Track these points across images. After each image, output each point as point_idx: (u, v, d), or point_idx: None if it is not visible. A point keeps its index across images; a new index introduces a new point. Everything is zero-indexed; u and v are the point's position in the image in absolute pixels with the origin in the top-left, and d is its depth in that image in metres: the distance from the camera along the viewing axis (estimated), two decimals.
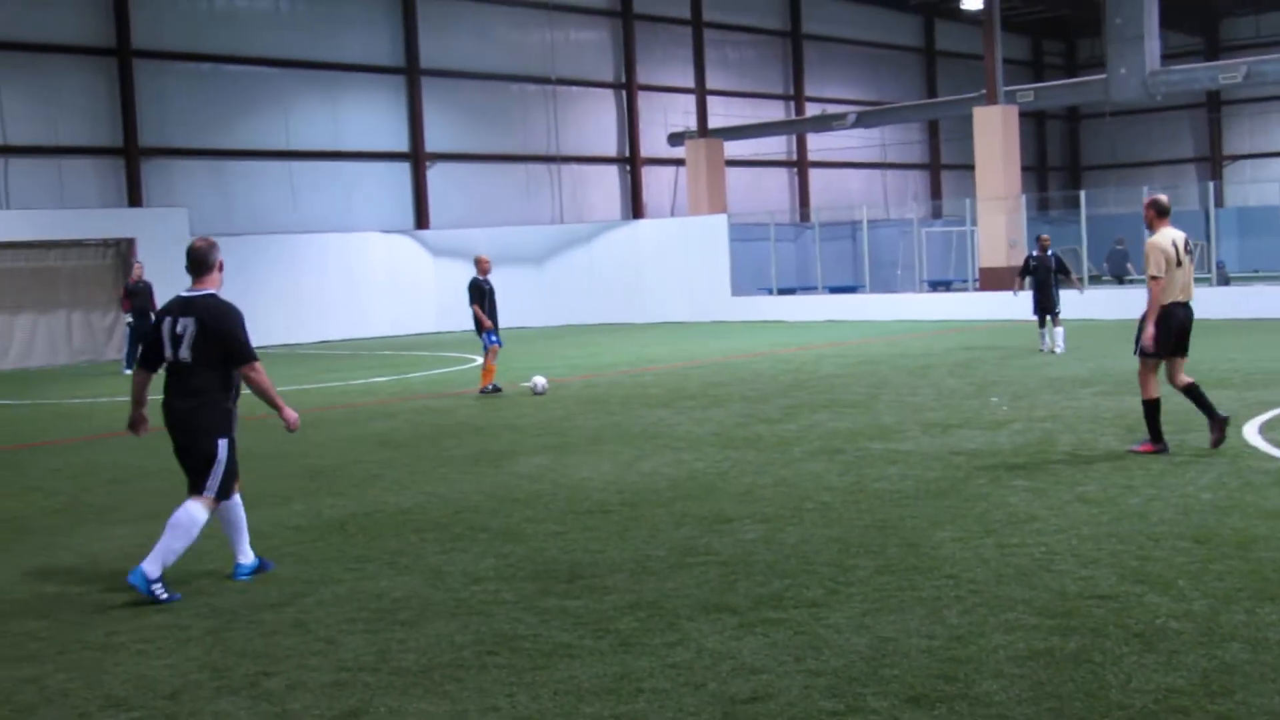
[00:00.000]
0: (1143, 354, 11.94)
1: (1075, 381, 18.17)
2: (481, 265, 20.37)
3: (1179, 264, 11.80)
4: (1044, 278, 23.42)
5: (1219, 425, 11.95)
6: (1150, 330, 11.75)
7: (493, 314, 20.13)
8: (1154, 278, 11.69)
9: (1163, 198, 12.22)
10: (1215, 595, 7.10)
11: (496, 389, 19.75)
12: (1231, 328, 27.92)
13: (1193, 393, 12.04)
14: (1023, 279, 24.28)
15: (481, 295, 20.05)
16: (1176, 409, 12.88)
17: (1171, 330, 11.86)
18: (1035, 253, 23.87)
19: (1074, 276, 24.27)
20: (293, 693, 6.17)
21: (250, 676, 6.44)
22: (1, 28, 32.30)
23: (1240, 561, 7.80)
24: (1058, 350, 23.16)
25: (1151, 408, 11.98)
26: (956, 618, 6.89)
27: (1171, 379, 12.12)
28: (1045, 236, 24.30)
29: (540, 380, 19.35)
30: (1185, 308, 11.97)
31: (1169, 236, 11.86)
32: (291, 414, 8.54)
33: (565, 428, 15.43)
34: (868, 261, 39.64)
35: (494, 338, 19.98)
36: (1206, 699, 5.56)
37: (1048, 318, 23.48)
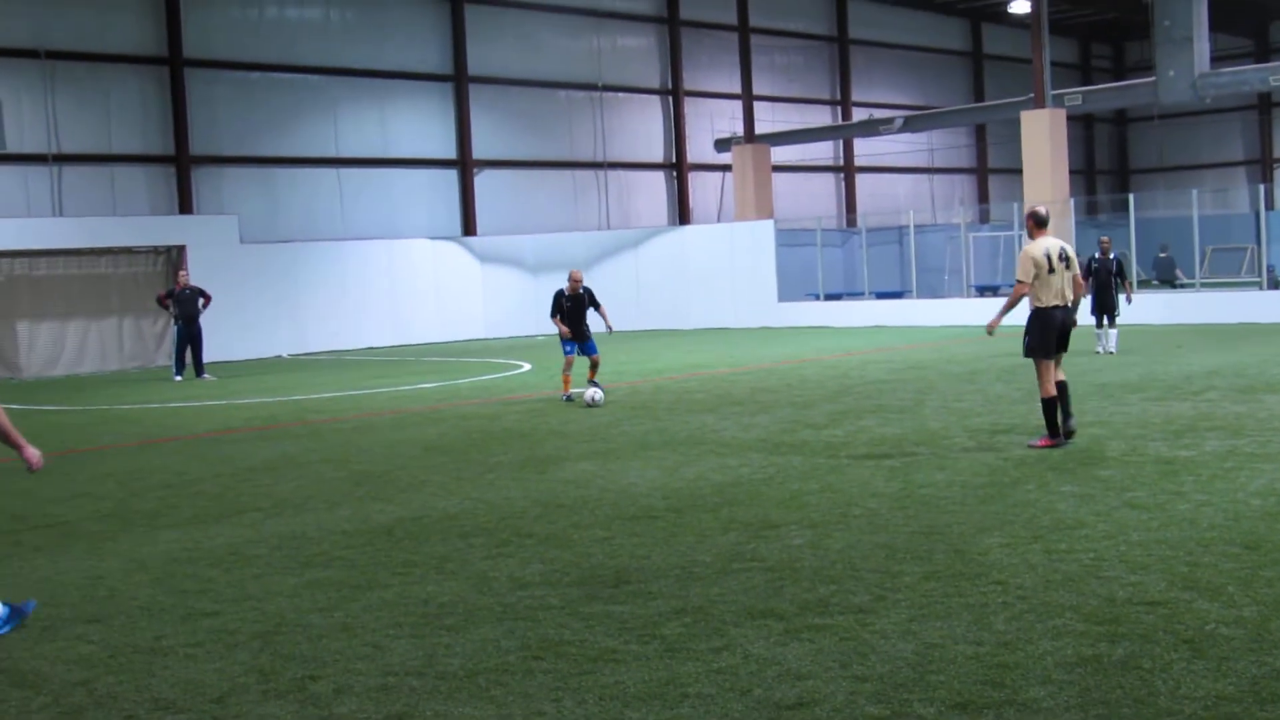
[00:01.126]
0: (1031, 354, 13.03)
1: (1124, 387, 18.04)
2: (571, 280, 19.83)
3: (1051, 270, 12.89)
4: (1105, 280, 23.80)
5: (1068, 431, 12.95)
6: (998, 321, 13.30)
7: (576, 326, 19.57)
8: (1020, 282, 12.95)
9: (1041, 209, 13.42)
10: (1265, 602, 7.04)
11: (568, 398, 19.23)
12: None
13: (1062, 390, 13.01)
14: (1087, 281, 24.25)
15: (558, 308, 19.61)
16: (1228, 414, 12.74)
17: (1053, 331, 12.95)
18: (1097, 255, 23.99)
19: (1128, 282, 24.37)
20: (339, 696, 6.21)
21: (297, 680, 6.49)
22: (56, 38, 32.69)
23: None
24: (1111, 350, 23.54)
25: (1049, 405, 12.94)
26: (1004, 624, 6.85)
27: (1055, 375, 13.09)
28: (1106, 239, 24.61)
29: (594, 393, 18.64)
30: (1064, 310, 13.03)
31: (1043, 245, 12.98)
32: (32, 453, 7.69)
33: (611, 434, 15.45)
34: (915, 267, 39.48)
35: (569, 346, 19.56)
36: (1256, 706, 5.51)
37: (1105, 319, 23.65)
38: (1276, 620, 6.70)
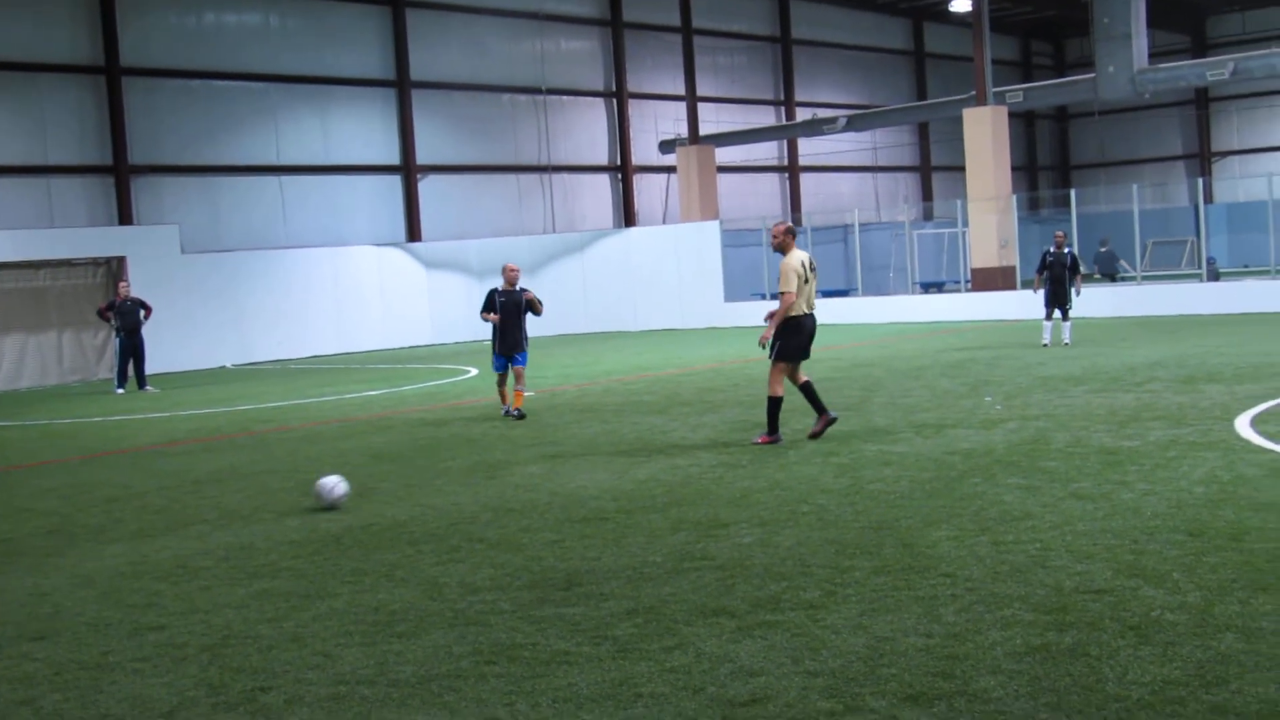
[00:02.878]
0: (780, 359, 13.63)
1: (1068, 380, 18.20)
2: (505, 274, 18.07)
3: (806, 280, 13.60)
4: (1059, 274, 24.12)
5: (825, 421, 13.79)
6: (771, 333, 13.60)
7: (508, 329, 17.69)
8: (785, 292, 13.48)
9: (790, 223, 14.11)
10: (1209, 587, 7.12)
11: (519, 414, 17.39)
12: (1222, 322, 28.01)
13: (808, 389, 13.86)
14: (1041, 275, 24.49)
15: (490, 308, 17.86)
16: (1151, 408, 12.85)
17: (805, 337, 13.69)
18: (1051, 249, 24.24)
19: (1079, 275, 24.66)
20: (291, 707, 6.16)
21: (247, 692, 6.43)
22: None
23: (1233, 553, 7.82)
24: (1067, 342, 23.96)
25: (776, 404, 13.66)
26: (953, 616, 6.90)
27: (795, 378, 13.83)
28: (1060, 234, 25.01)
29: (332, 485, 11.55)
30: (811, 318, 13.77)
31: (799, 257, 13.64)
32: None
33: (560, 437, 15.43)
34: (860, 264, 39.68)
35: (498, 362, 17.82)
36: (1202, 689, 5.58)
37: (1056, 313, 23.92)
38: (1220, 605, 6.78)
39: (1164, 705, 5.43)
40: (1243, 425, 12.94)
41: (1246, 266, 43.86)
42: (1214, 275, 37.90)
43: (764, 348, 13.82)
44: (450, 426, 17.25)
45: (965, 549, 8.36)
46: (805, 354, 13.83)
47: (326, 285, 36.85)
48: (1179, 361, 19.82)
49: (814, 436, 13.74)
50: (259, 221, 37.04)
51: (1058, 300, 24.19)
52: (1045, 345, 23.77)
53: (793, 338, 13.59)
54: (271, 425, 18.75)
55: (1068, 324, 24.35)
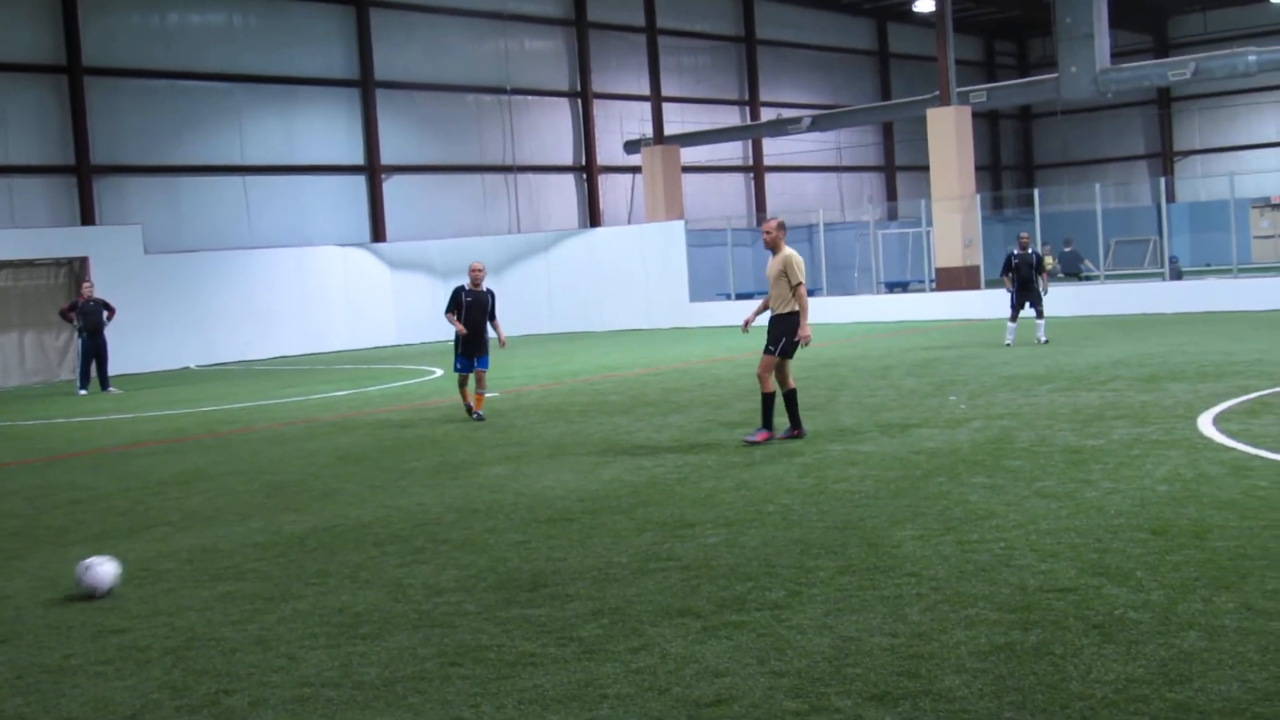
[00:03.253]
0: (784, 354, 13.60)
1: (1032, 379, 18.28)
2: (471, 273, 17.75)
3: None
4: (1026, 274, 24.28)
5: (796, 434, 13.69)
6: (808, 330, 13.60)
7: (471, 331, 17.39)
8: (801, 284, 13.54)
9: (782, 219, 14.02)
10: (1172, 585, 7.16)
11: (479, 416, 17.23)
12: (1184, 321, 28.20)
13: (792, 397, 13.80)
14: (1009, 276, 24.60)
15: (456, 305, 17.51)
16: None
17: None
18: (1016, 250, 24.38)
19: (1045, 273, 24.83)
20: (255, 710, 6.13)
21: (211, 695, 6.40)
22: None
23: (1196, 551, 7.87)
24: (1043, 340, 24.19)
25: (770, 400, 13.63)
26: (918, 615, 6.92)
27: (787, 379, 13.80)
28: (1025, 235, 25.17)
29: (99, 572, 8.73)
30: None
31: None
32: None
33: (525, 438, 15.41)
34: (825, 264, 39.77)
35: (460, 363, 17.48)
36: (1165, 687, 5.61)
37: (1022, 313, 24.32)
38: (1183, 603, 6.82)
39: (1128, 704, 5.46)
40: (1205, 423, 13.02)
41: (1209, 265, 44.20)
42: (1176, 274, 38.16)
43: (782, 356, 13.61)
44: (415, 427, 17.20)
45: (930, 548, 8.39)
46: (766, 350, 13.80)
47: (291, 286, 36.69)
48: (1142, 360, 19.94)
49: (782, 437, 13.75)
50: (223, 222, 36.84)
51: (1027, 300, 24.32)
52: (1009, 345, 23.90)
53: (793, 334, 13.59)
54: (236, 426, 18.65)
55: (1041, 322, 24.60)
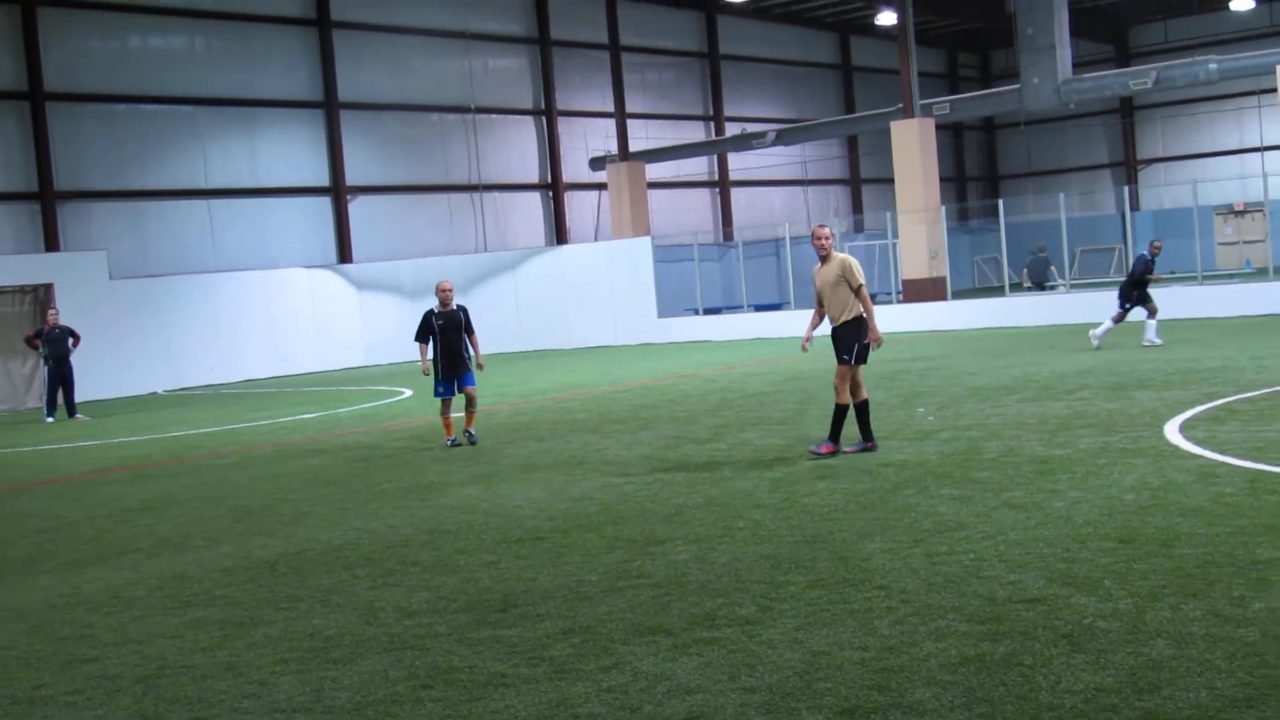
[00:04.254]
0: (860, 359, 13.27)
1: (999, 389, 18.36)
2: (439, 294, 17.10)
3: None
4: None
5: (868, 448, 13.29)
6: (879, 331, 13.31)
7: (448, 353, 16.76)
8: (863, 285, 13.28)
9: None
10: (1140, 594, 7.20)
11: (454, 443, 16.59)
12: None
13: (864, 409, 13.39)
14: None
15: (428, 331, 16.88)
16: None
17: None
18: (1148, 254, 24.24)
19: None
20: None
21: None
22: None
23: (1164, 559, 7.91)
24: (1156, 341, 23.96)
25: (845, 411, 13.26)
26: (888, 628, 6.94)
27: (860, 389, 13.40)
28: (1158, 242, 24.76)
29: None
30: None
31: None
32: None
33: (494, 457, 15.39)
34: (792, 278, 39.87)
35: (440, 387, 16.79)
36: (1134, 696, 5.64)
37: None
38: (1152, 611, 6.86)
39: (1097, 713, 5.49)
40: (1172, 431, 13.10)
41: (1173, 272, 44.50)
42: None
43: (849, 350, 13.20)
44: (384, 449, 17.15)
45: (899, 561, 8.41)
46: (839, 360, 13.37)
47: (257, 308, 36.56)
48: (1109, 369, 20.05)
49: (843, 451, 13.25)
50: (188, 246, 36.71)
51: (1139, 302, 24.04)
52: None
53: (864, 338, 13.24)
54: (204, 451, 18.57)
55: (1154, 322, 24.21)
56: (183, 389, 33.59)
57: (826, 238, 13.32)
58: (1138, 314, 24.38)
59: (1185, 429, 13.19)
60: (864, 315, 13.26)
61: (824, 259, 13.40)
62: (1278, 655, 6.02)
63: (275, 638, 7.82)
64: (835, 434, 13.28)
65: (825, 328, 13.78)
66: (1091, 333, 24.09)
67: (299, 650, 7.49)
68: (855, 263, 13.33)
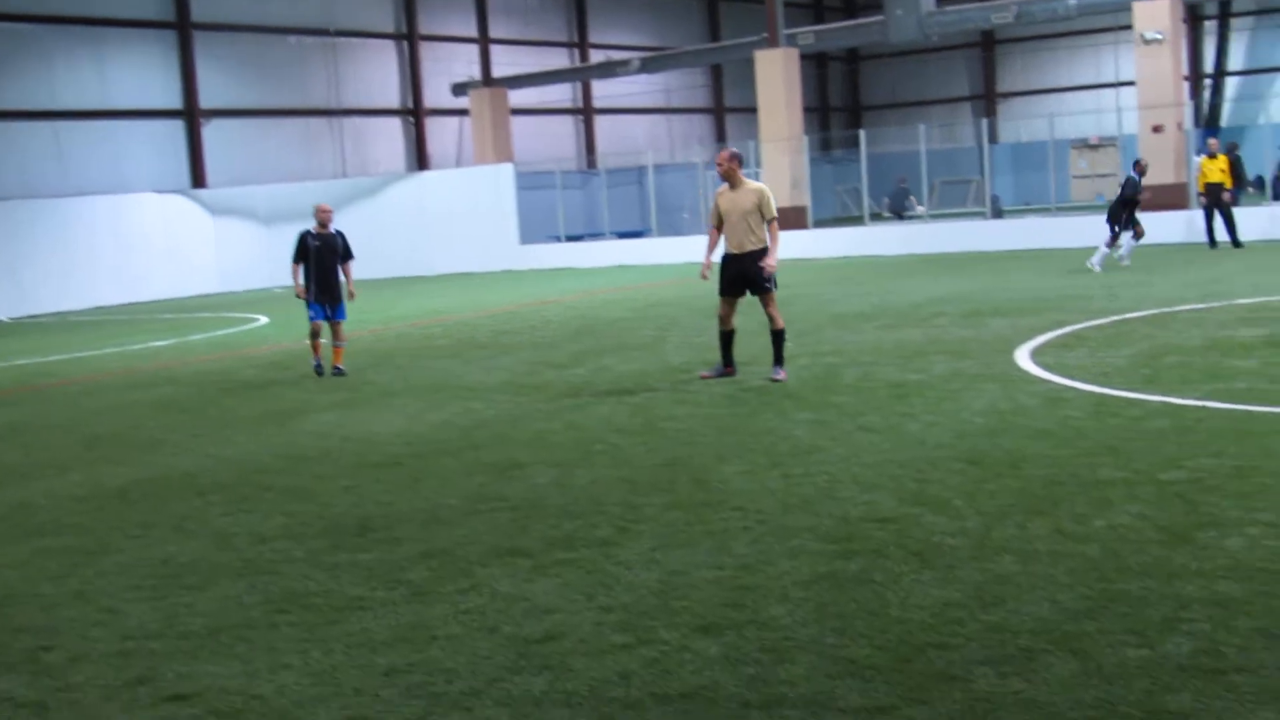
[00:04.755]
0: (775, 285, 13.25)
1: (858, 316, 18.61)
2: (317, 215, 16.41)
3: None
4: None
5: (727, 372, 13.44)
6: (775, 262, 13.20)
7: (321, 277, 16.11)
8: (777, 219, 13.26)
9: (736, 150, 13.52)
10: (988, 512, 7.38)
11: (318, 367, 16.12)
12: (1006, 258, 28.92)
13: (781, 336, 13.35)
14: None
15: (303, 253, 16.16)
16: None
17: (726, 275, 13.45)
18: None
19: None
20: (75, 665, 5.99)
21: (29, 652, 6.23)
22: None
23: (1011, 479, 8.11)
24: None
25: (733, 336, 13.50)
26: (744, 548, 7.02)
27: (729, 320, 13.47)
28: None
29: None
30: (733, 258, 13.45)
31: None
32: None
33: (353, 383, 15.23)
34: (655, 206, 39.87)
35: (314, 310, 16.07)
36: (980, 609, 5.78)
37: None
38: (999, 529, 7.03)
39: (944, 626, 5.62)
40: (1022, 357, 13.39)
41: (1029, 204, 45.39)
42: (998, 213, 39.10)
43: (770, 279, 13.12)
44: (240, 376, 16.88)
45: (756, 483, 8.51)
46: (737, 291, 13.33)
47: (108, 234, 35.63)
48: (964, 297, 20.41)
49: (705, 377, 13.39)
50: (34, 169, 35.57)
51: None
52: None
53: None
54: (52, 379, 18.10)
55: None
56: (29, 316, 32.67)
57: (723, 163, 13.15)
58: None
59: (1035, 355, 13.49)
60: (768, 246, 13.16)
61: (733, 185, 13.13)
62: (1116, 570, 6.22)
63: (126, 565, 7.68)
64: (727, 357, 13.43)
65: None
66: (1089, 260, 24.18)
67: (151, 577, 7.36)
68: (771, 194, 13.22)
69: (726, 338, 13.40)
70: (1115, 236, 24.26)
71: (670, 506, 8.04)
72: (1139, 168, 24.64)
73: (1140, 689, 4.82)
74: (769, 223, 13.13)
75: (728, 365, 13.43)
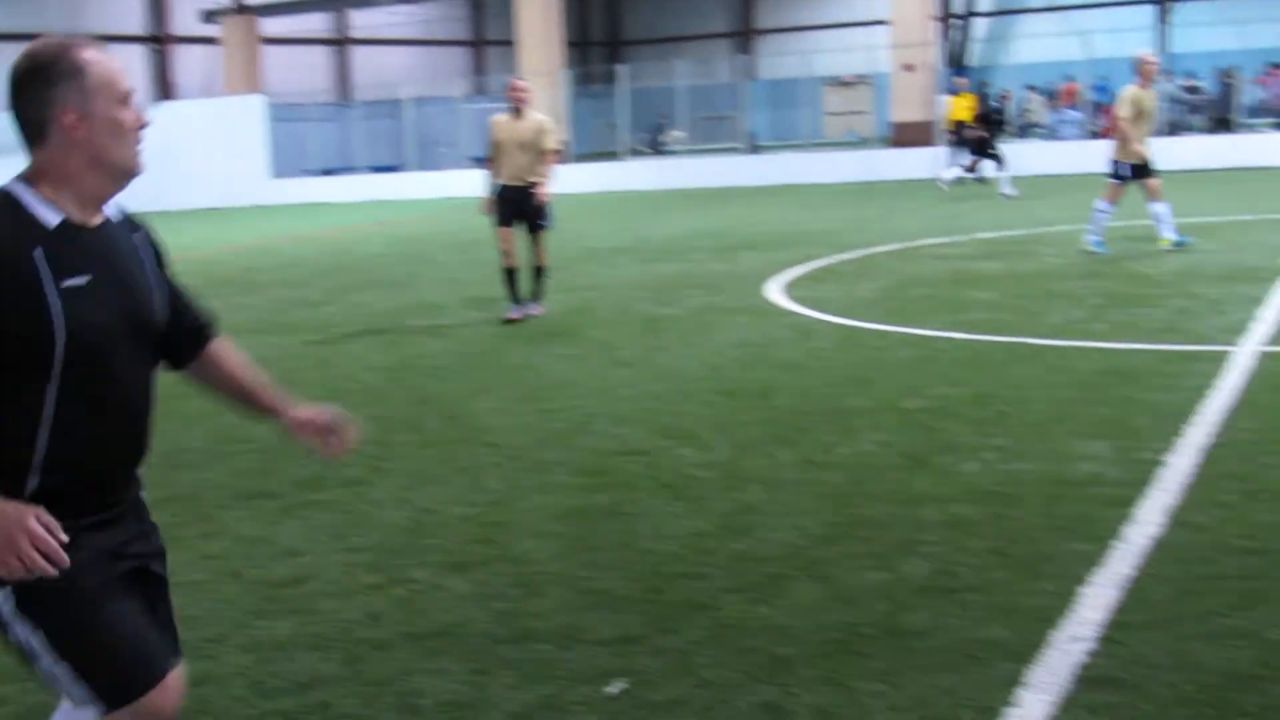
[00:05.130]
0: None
1: (614, 251, 18.68)
2: None
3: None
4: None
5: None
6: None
7: None
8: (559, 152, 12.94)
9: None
10: (738, 444, 7.47)
11: None
12: (760, 193, 29.40)
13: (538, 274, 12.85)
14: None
15: None
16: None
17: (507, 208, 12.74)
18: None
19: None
20: None
21: None
22: None
23: (762, 411, 8.23)
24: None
25: (517, 272, 12.72)
26: (496, 483, 6.97)
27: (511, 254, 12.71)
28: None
29: None
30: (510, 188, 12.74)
31: None
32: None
33: None
34: (412, 139, 39.28)
35: None
36: (729, 538, 5.85)
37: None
38: (748, 459, 7.12)
39: (694, 555, 5.66)
40: (774, 291, 13.61)
41: (785, 140, 46.16)
42: (754, 148, 39.68)
43: (545, 216, 12.61)
44: None
45: (510, 418, 8.45)
46: (508, 223, 12.61)
47: None
48: (720, 232, 20.66)
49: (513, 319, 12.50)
50: None
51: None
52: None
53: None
54: None
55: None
56: None
57: (522, 89, 12.73)
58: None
59: (787, 289, 13.73)
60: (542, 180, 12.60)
61: (517, 114, 12.62)
62: (860, 496, 6.37)
63: None
64: (515, 295, 12.66)
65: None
66: (1001, 189, 24.57)
67: None
68: (553, 125, 12.88)
69: (510, 274, 12.66)
70: (989, 158, 25.51)
71: (423, 444, 7.93)
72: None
73: (880, 610, 4.94)
74: (545, 154, 12.62)
75: (518, 302, 12.63)
